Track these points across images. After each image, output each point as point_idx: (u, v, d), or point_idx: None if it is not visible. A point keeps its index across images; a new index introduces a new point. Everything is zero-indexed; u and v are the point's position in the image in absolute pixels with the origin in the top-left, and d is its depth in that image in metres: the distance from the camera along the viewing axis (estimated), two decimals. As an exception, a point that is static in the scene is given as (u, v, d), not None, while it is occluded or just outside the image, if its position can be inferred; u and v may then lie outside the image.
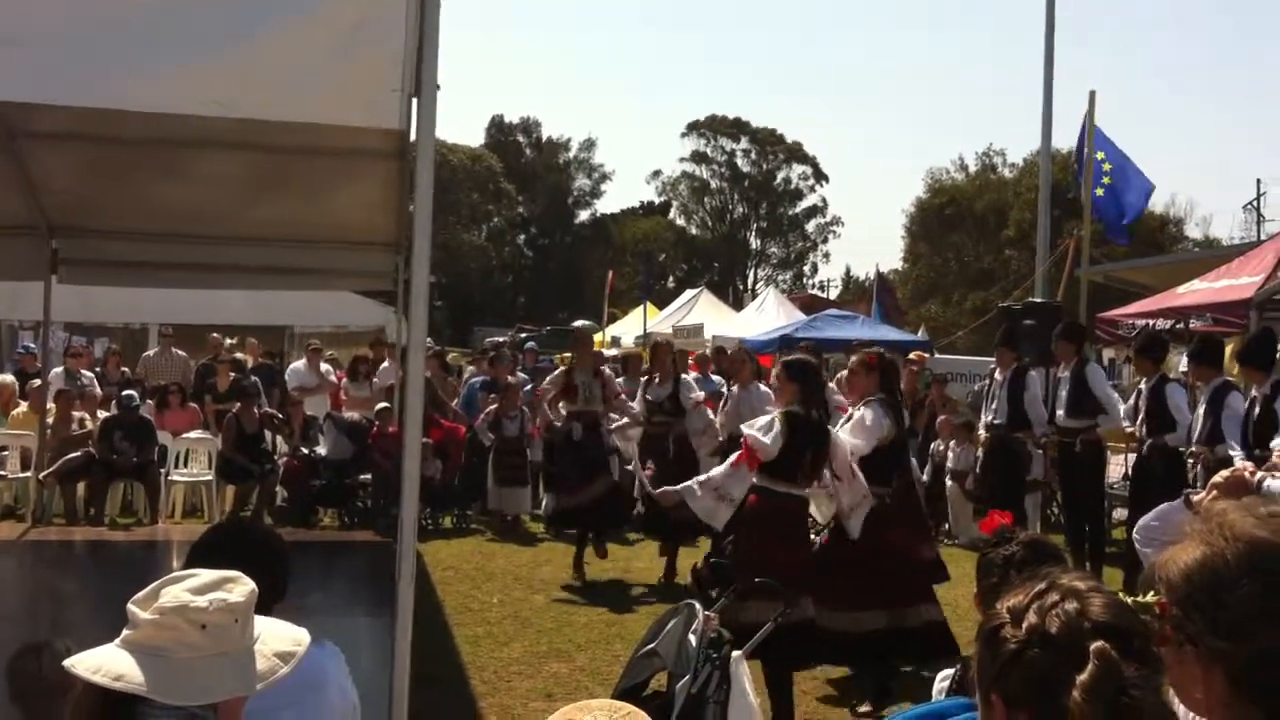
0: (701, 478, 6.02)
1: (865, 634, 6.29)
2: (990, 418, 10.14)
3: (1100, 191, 14.75)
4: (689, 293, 26.74)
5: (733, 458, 5.95)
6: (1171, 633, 1.51)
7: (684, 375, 10.04)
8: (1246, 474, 2.55)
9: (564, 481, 9.79)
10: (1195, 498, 2.71)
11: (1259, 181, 55.33)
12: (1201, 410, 8.62)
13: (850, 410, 6.65)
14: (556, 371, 10.11)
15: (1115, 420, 9.45)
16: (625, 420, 9.66)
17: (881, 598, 6.34)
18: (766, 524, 5.77)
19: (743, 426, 6.13)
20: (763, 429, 5.80)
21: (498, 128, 69.05)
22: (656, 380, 9.68)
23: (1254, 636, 1.49)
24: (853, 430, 6.27)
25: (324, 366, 14.16)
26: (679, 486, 6.13)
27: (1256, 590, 1.51)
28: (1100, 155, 14.69)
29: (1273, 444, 7.28)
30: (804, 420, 5.86)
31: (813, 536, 6.33)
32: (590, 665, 6.86)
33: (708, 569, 5.49)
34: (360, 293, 13.94)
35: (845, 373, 7.82)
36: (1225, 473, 2.61)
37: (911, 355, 13.95)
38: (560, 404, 9.79)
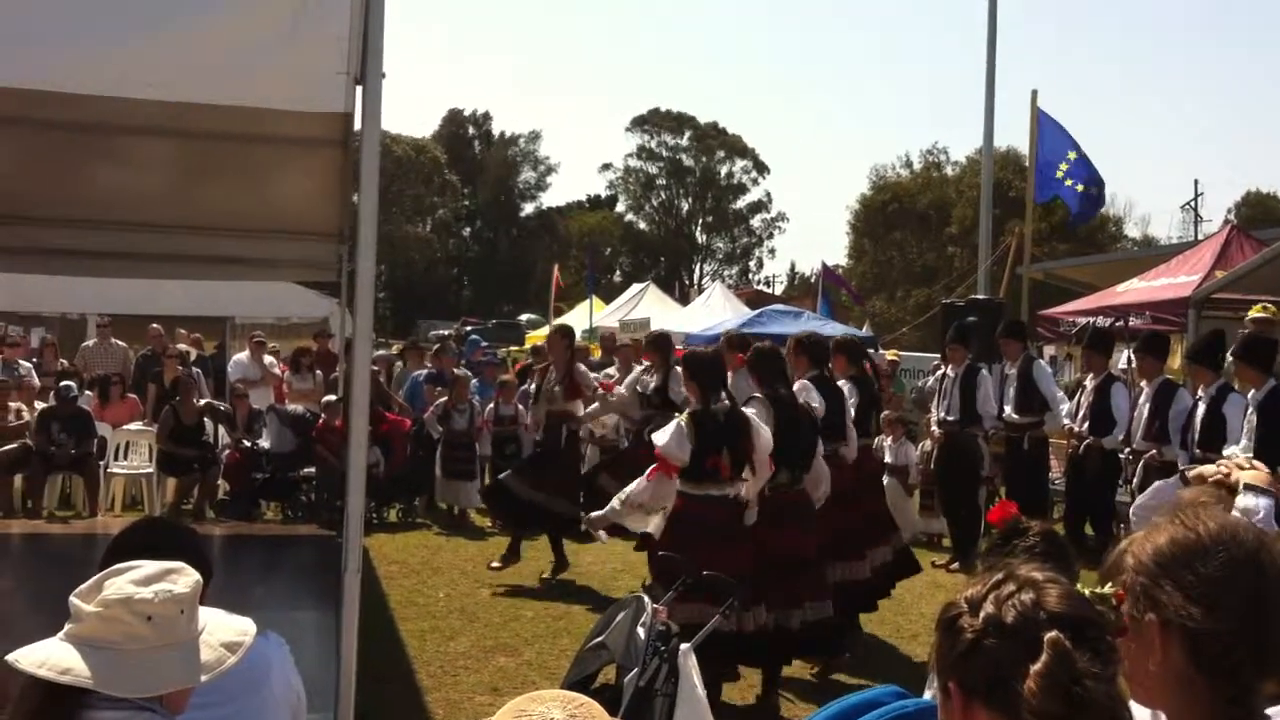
0: (622, 495, 5.94)
1: (749, 633, 5.95)
2: (943, 414, 10.21)
3: (1070, 182, 14.88)
4: (635, 287, 26.76)
5: (649, 471, 5.85)
6: (1132, 607, 1.52)
7: (674, 368, 9.91)
8: (1237, 466, 2.57)
9: (528, 471, 9.53)
10: (1192, 473, 2.72)
11: (1196, 182, 56.26)
12: (1146, 408, 8.73)
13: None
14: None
15: (1058, 419, 9.57)
16: (595, 407, 9.48)
17: (767, 597, 6.00)
18: (684, 528, 5.71)
19: (653, 436, 6.06)
20: (671, 437, 5.74)
21: (452, 120, 68.63)
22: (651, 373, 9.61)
23: (1220, 603, 1.51)
24: None
25: (267, 359, 14.00)
26: (604, 511, 6.06)
27: (1228, 558, 1.54)
28: (1071, 155, 14.85)
29: (1229, 451, 7.32)
30: (708, 418, 5.83)
31: None
32: (537, 660, 6.82)
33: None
34: (302, 284, 13.74)
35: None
36: (1220, 467, 2.61)
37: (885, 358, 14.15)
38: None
